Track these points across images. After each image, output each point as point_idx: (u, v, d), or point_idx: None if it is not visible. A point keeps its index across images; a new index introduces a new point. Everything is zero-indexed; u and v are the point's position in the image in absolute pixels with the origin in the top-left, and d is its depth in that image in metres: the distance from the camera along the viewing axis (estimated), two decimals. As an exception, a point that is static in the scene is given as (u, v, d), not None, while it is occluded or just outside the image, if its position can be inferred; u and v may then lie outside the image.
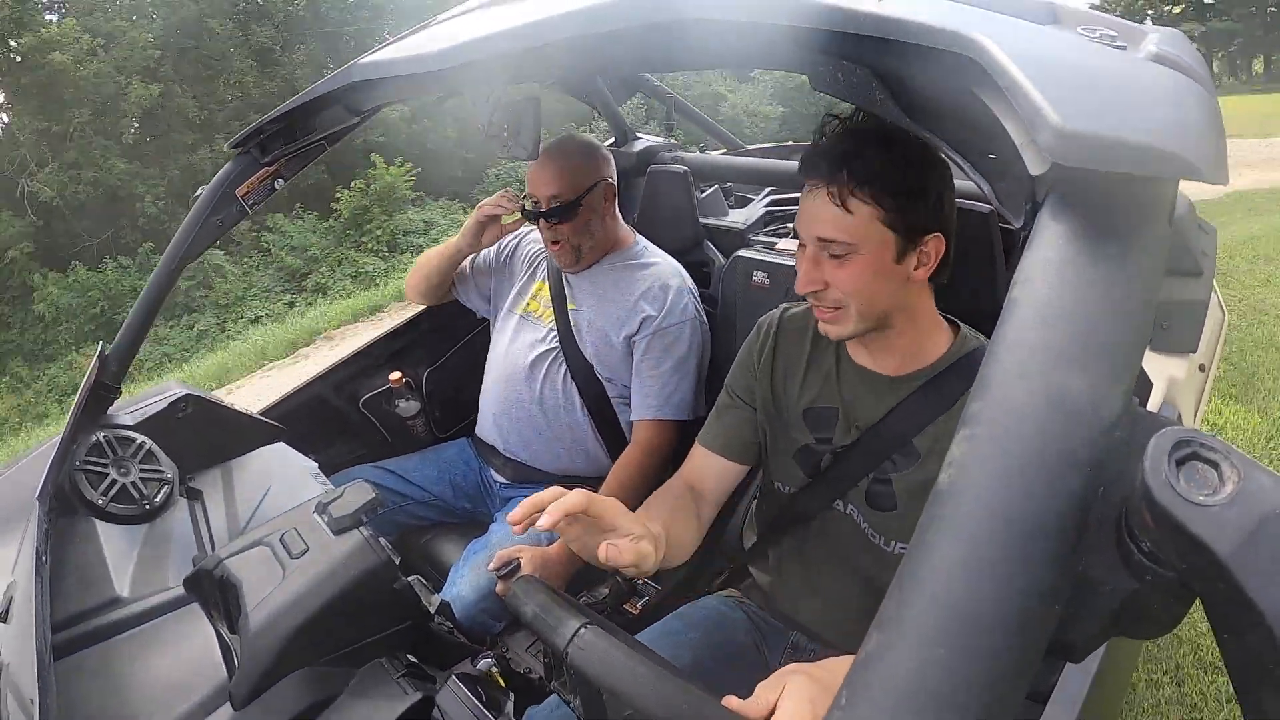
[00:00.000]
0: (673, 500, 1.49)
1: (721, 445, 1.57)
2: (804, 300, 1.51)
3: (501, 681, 1.36)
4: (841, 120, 1.31)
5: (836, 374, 1.49)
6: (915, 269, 1.31)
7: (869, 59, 0.78)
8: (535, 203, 2.14)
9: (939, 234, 1.30)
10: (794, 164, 3.03)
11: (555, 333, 2.22)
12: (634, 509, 1.47)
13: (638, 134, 3.20)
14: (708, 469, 1.58)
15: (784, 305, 1.62)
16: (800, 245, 1.35)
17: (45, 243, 19.78)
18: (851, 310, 1.32)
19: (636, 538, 1.18)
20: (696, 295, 2.23)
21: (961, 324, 1.46)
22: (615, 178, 2.24)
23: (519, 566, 1.79)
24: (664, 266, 2.22)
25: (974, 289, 1.61)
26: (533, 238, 2.44)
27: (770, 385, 1.55)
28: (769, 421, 1.56)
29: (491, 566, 1.86)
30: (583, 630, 1.06)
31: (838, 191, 1.26)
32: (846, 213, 1.26)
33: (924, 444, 1.39)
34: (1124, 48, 0.68)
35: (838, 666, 1.05)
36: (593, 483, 2.20)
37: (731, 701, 0.95)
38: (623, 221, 2.31)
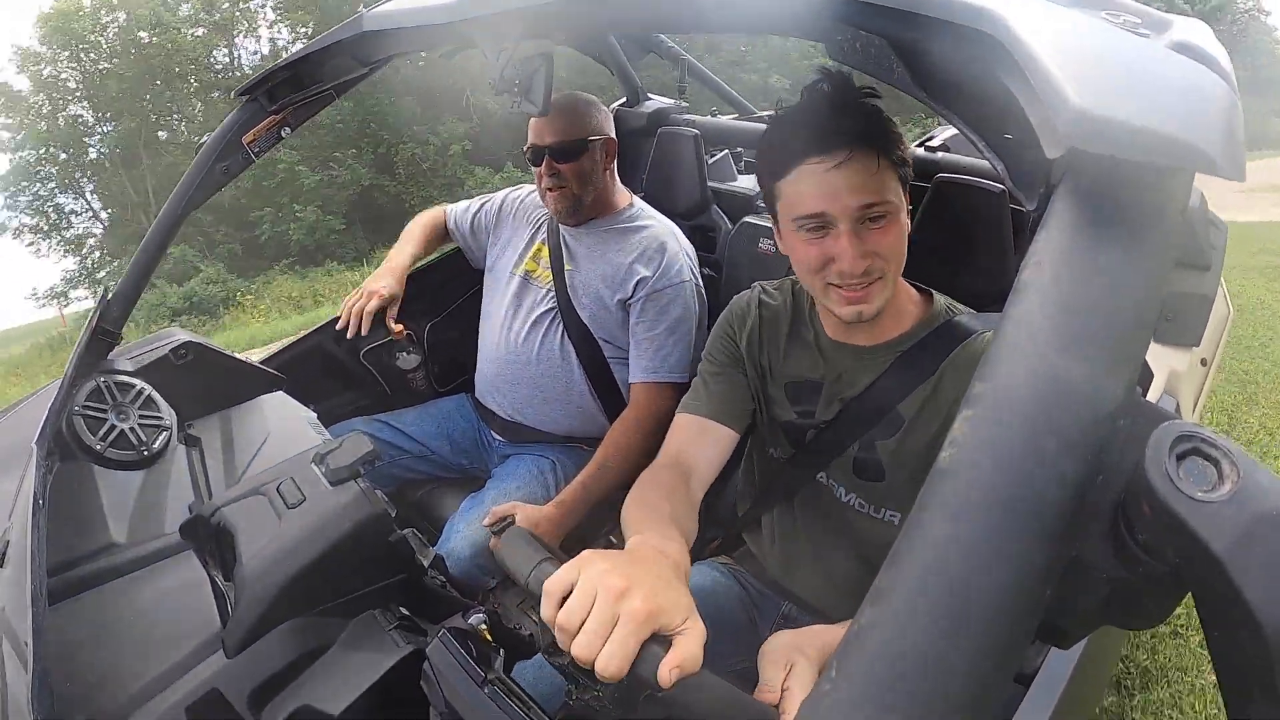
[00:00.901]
0: (668, 492, 1.35)
1: (712, 410, 1.51)
2: (771, 280, 1.56)
3: (489, 638, 1.36)
4: (826, 88, 1.27)
5: (817, 347, 1.49)
6: (906, 224, 1.31)
7: (888, 30, 0.77)
8: (537, 148, 2.15)
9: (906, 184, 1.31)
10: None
11: (554, 294, 2.22)
12: (632, 472, 1.48)
13: (649, 94, 3.17)
14: (700, 439, 1.49)
15: (758, 284, 1.62)
16: (821, 228, 1.27)
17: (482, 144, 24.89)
18: (889, 277, 1.30)
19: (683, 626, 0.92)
20: (693, 257, 2.22)
21: (935, 292, 1.46)
22: (615, 139, 2.24)
23: (513, 523, 1.80)
24: (659, 228, 2.21)
25: (984, 269, 1.61)
26: (534, 198, 2.43)
27: (757, 360, 1.54)
28: (758, 392, 1.56)
29: (486, 522, 1.87)
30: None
31: (875, 156, 1.22)
32: (882, 175, 1.23)
33: (908, 411, 1.39)
34: (1148, 35, 0.67)
35: (829, 637, 1.06)
36: (590, 442, 2.22)
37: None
38: (620, 185, 2.31)
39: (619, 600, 0.86)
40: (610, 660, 0.83)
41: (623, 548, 1.76)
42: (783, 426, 1.53)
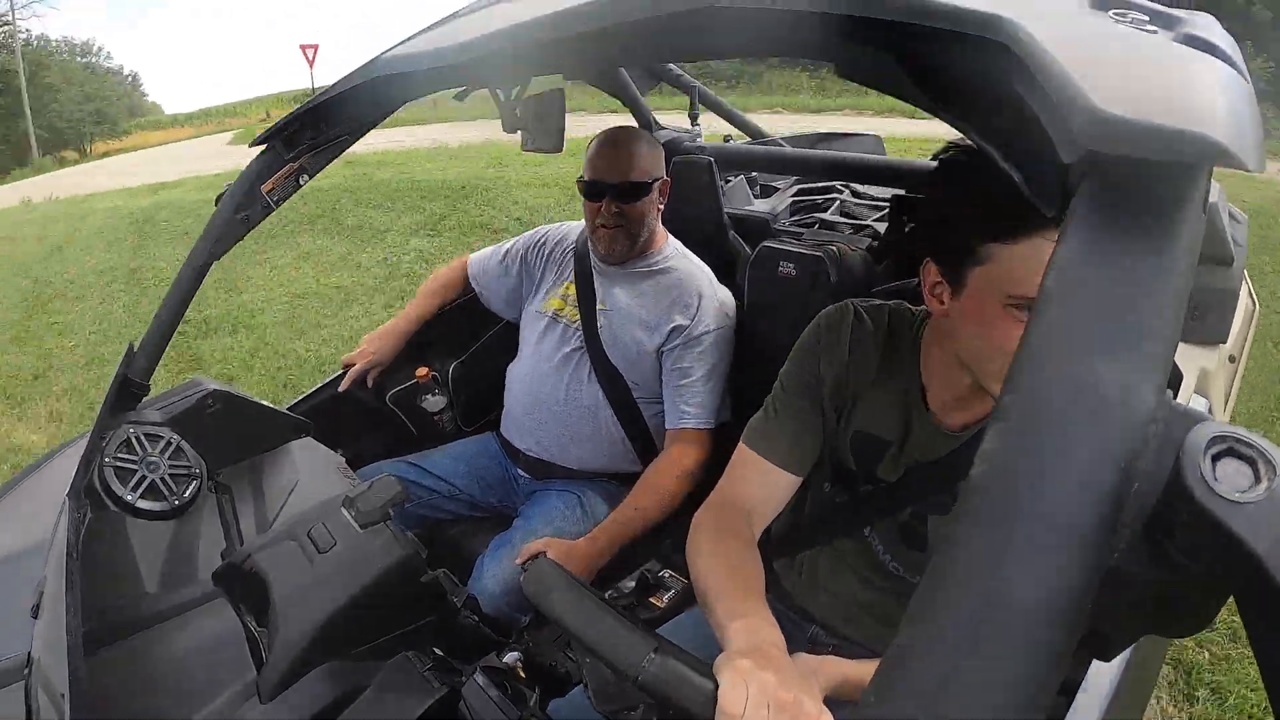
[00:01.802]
0: (745, 545, 1.31)
1: (783, 458, 1.41)
2: (864, 298, 1.46)
3: (523, 675, 1.36)
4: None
5: (902, 408, 1.39)
6: None
7: (897, 46, 0.77)
8: (600, 184, 2.14)
9: None
10: (819, 152, 3.01)
11: (581, 332, 2.22)
12: (663, 517, 1.47)
13: (661, 124, 3.19)
14: (765, 483, 1.41)
15: (851, 303, 1.46)
16: (1016, 306, 1.11)
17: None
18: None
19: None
20: (728, 300, 2.23)
21: None
22: (669, 180, 2.26)
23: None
24: (694, 273, 2.22)
25: None
26: (561, 235, 2.44)
27: (840, 394, 1.42)
28: (824, 425, 1.45)
29: (518, 560, 1.87)
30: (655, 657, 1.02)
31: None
32: None
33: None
34: (1155, 31, 0.66)
35: (847, 669, 1.12)
36: (618, 479, 2.22)
37: None
38: (661, 225, 2.31)
39: (796, 716, 0.92)
40: None
41: (654, 578, 1.76)
42: (836, 473, 1.49)
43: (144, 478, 1.60)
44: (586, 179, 2.16)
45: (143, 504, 1.58)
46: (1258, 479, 0.48)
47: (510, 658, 1.38)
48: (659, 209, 2.21)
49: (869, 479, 1.44)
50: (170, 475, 1.64)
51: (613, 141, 2.15)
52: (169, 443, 1.68)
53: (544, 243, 2.48)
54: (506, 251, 2.53)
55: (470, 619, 1.48)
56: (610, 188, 2.11)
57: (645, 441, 2.26)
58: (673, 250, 2.29)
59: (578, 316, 2.25)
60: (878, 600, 1.50)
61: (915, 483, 1.38)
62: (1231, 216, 1.98)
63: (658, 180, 2.16)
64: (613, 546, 1.95)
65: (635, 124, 3.10)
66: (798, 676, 0.98)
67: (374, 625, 1.33)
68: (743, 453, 1.44)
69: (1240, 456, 0.49)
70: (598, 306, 2.23)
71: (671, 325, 2.13)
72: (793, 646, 1.53)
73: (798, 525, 1.61)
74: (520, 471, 2.34)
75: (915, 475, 1.38)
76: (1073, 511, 0.50)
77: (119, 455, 1.60)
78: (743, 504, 1.38)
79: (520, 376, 2.34)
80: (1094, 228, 0.57)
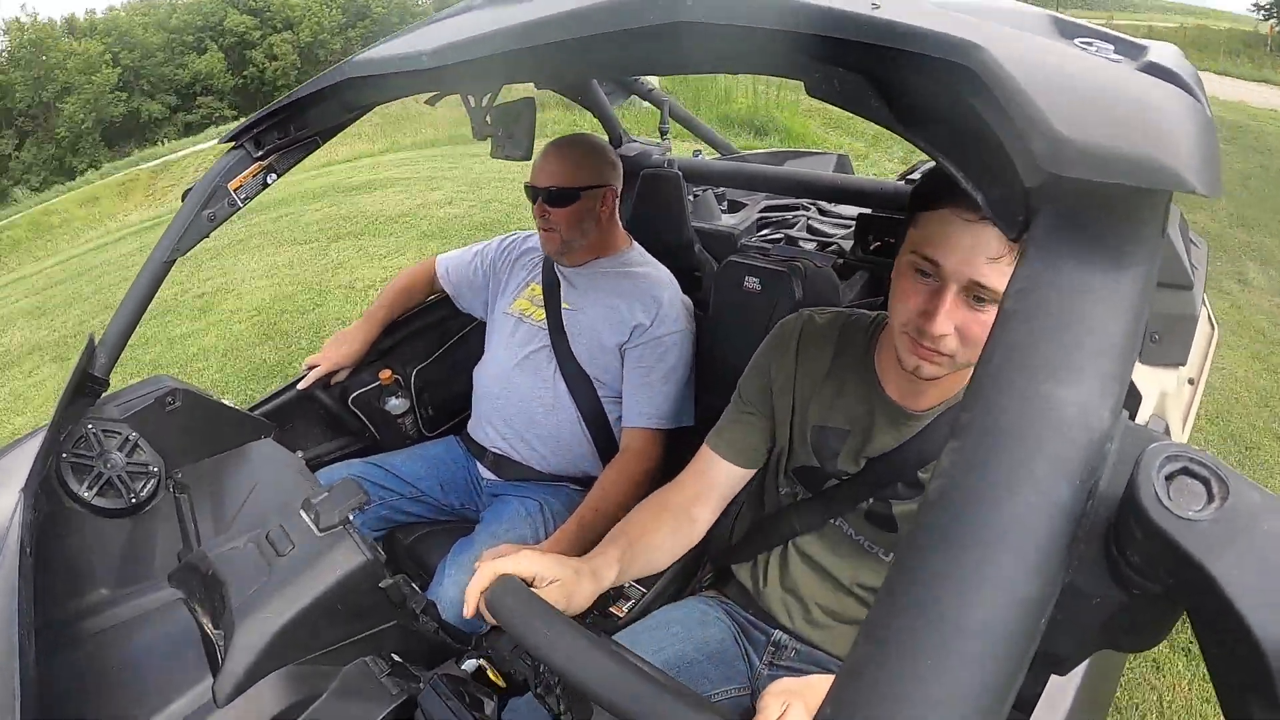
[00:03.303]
0: (657, 511, 1.51)
1: (731, 452, 1.54)
2: (821, 307, 1.53)
3: (495, 678, 1.36)
4: None
5: (858, 397, 1.44)
6: None
7: (865, 65, 0.77)
8: (532, 188, 2.19)
9: None
10: (786, 170, 3.04)
11: (546, 331, 2.23)
12: (619, 516, 1.51)
13: (631, 137, 3.20)
14: (715, 473, 1.55)
15: (805, 313, 1.56)
16: (921, 273, 1.20)
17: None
18: (958, 360, 1.23)
19: (552, 582, 1.28)
20: (689, 305, 2.24)
21: None
22: (619, 187, 2.27)
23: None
24: (656, 275, 2.24)
25: None
26: (530, 239, 2.46)
27: (791, 393, 1.51)
28: (779, 433, 1.54)
29: (479, 564, 1.87)
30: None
31: (1016, 252, 1.09)
32: (1009, 256, 1.11)
33: (928, 476, 1.36)
34: (1119, 60, 0.68)
35: (823, 686, 1.11)
36: (578, 482, 2.22)
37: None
38: (621, 228, 2.33)
39: None
40: None
41: (613, 589, 1.77)
42: (799, 471, 1.52)
43: (101, 474, 1.58)
44: (527, 182, 2.22)
45: (99, 501, 1.56)
46: (1211, 498, 0.49)
47: (469, 664, 1.38)
48: (601, 218, 2.23)
49: (831, 474, 1.48)
50: (128, 473, 1.62)
51: (554, 147, 2.20)
52: (127, 439, 1.67)
53: (513, 246, 2.50)
54: (477, 253, 2.56)
55: (429, 625, 1.47)
56: (540, 191, 2.17)
57: (609, 444, 2.26)
58: (637, 255, 2.32)
59: (543, 316, 2.26)
60: (838, 602, 1.52)
61: (876, 473, 1.42)
62: (1191, 241, 2.01)
63: (595, 188, 2.18)
64: (574, 552, 1.95)
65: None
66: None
67: (331, 630, 1.32)
68: (702, 449, 1.59)
69: (1194, 475, 0.50)
70: (562, 306, 2.24)
71: (634, 323, 2.15)
72: (756, 652, 1.56)
73: (760, 526, 1.63)
74: (484, 472, 2.34)
75: (875, 465, 1.42)
76: (1028, 528, 0.51)
77: (76, 451, 1.58)
78: (694, 485, 1.55)
79: (487, 376, 2.34)
80: (1054, 250, 0.58)
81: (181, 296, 6.92)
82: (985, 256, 1.12)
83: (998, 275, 1.12)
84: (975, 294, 1.16)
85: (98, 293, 8.37)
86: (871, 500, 1.44)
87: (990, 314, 1.16)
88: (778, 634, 1.59)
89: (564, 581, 1.28)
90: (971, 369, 1.34)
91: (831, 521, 1.50)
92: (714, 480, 1.55)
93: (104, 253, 11.36)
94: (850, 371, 1.46)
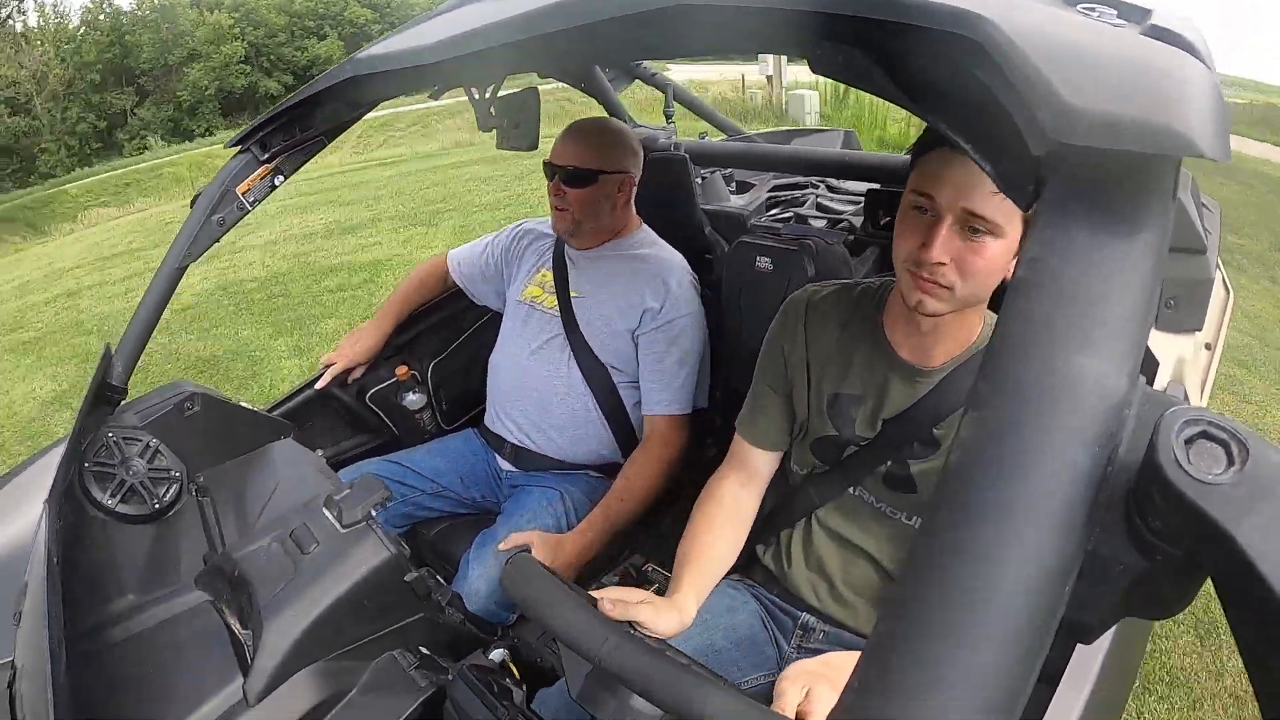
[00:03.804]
0: (712, 516, 1.56)
1: (763, 439, 1.61)
2: (826, 281, 1.56)
3: (516, 671, 1.36)
4: None
5: (870, 361, 1.47)
6: (1012, 269, 1.24)
7: (868, 40, 0.77)
8: (550, 165, 2.18)
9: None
10: (793, 148, 3.03)
11: (559, 319, 2.23)
12: (645, 504, 1.53)
13: (637, 122, 3.19)
14: (754, 462, 1.62)
15: (810, 287, 1.60)
16: (918, 209, 1.26)
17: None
18: (957, 293, 1.26)
19: (640, 602, 1.26)
20: (698, 287, 2.24)
21: (988, 313, 1.44)
22: (638, 175, 2.26)
23: (529, 551, 1.80)
24: (666, 258, 2.23)
25: None
26: (541, 226, 2.45)
27: (805, 366, 1.54)
28: (799, 409, 1.57)
29: (502, 546, 1.88)
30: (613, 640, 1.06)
31: None
32: (1002, 199, 1.12)
33: (943, 433, 1.40)
34: (1123, 25, 0.67)
35: (847, 664, 1.10)
36: (598, 469, 2.23)
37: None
38: (634, 213, 2.32)
39: None
40: None
41: (637, 573, 1.77)
42: (817, 443, 1.54)
43: (123, 481, 1.59)
44: (546, 159, 2.20)
45: (122, 508, 1.57)
46: (1231, 461, 0.49)
47: (496, 655, 1.39)
48: (617, 204, 2.22)
49: (849, 440, 1.50)
50: (150, 479, 1.63)
51: (575, 128, 2.18)
52: (148, 446, 1.68)
53: (523, 234, 2.50)
54: (487, 244, 2.55)
55: (455, 617, 1.48)
56: (558, 169, 2.15)
57: (628, 431, 2.27)
58: (645, 237, 2.31)
59: (555, 303, 2.26)
60: (863, 576, 1.53)
61: (892, 434, 1.44)
62: (1203, 205, 1.99)
63: (613, 174, 2.16)
64: (601, 539, 1.96)
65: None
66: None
67: (359, 626, 1.33)
68: (735, 439, 1.64)
69: (1213, 439, 0.50)
70: (572, 294, 2.24)
71: (644, 308, 2.14)
72: (784, 636, 1.56)
73: (781, 504, 1.65)
74: (504, 464, 2.34)
75: (891, 427, 1.44)
76: (1049, 497, 0.51)
77: (98, 460, 1.59)
78: (734, 479, 1.61)
79: (502, 365, 2.34)
80: (1064, 218, 0.57)
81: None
82: (978, 188, 1.17)
83: (991, 206, 1.17)
84: (970, 224, 1.21)
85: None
86: (890, 463, 1.45)
87: (987, 246, 1.21)
88: (805, 616, 1.59)
89: (653, 602, 1.28)
90: (977, 312, 1.36)
91: (851, 491, 1.51)
92: (754, 469, 1.62)
93: (358, 175, 13.51)
94: (860, 338, 1.49)
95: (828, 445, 1.52)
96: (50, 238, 16.17)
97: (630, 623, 1.21)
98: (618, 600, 1.21)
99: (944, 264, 1.22)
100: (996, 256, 1.22)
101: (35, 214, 20.13)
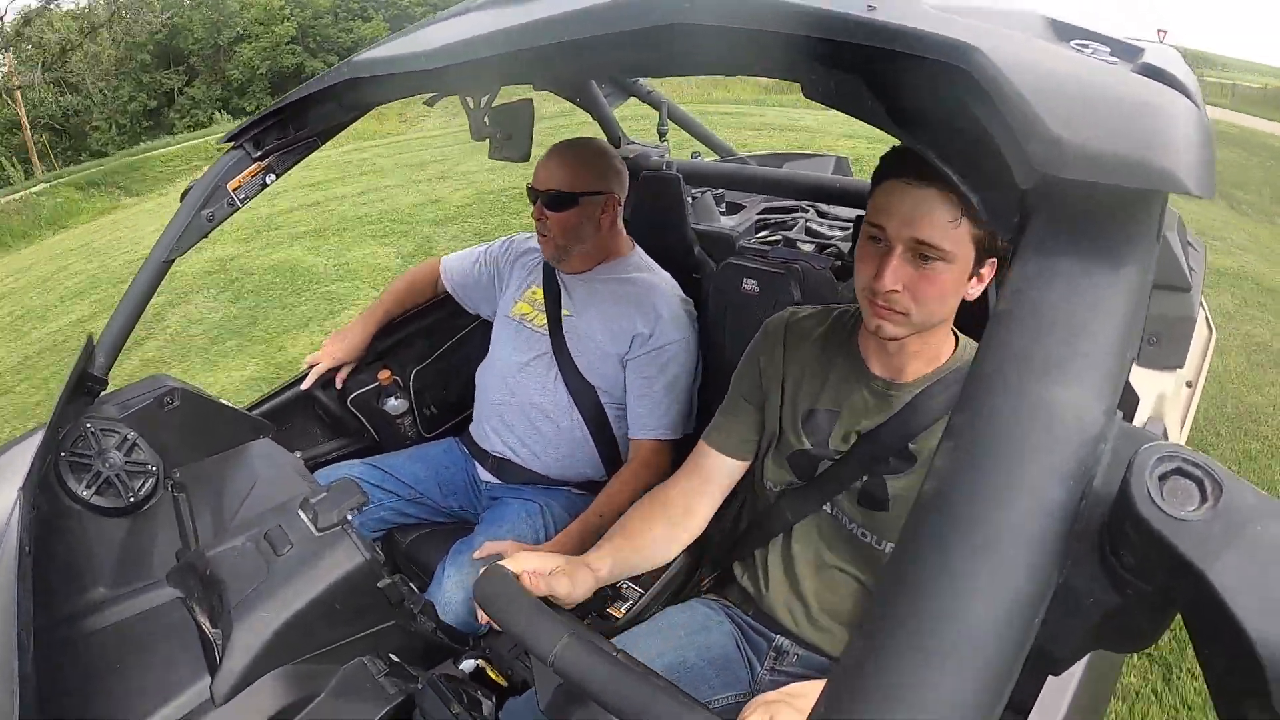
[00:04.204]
0: (653, 507, 1.59)
1: (724, 443, 1.61)
2: (807, 305, 1.58)
3: (495, 678, 1.36)
4: None
5: (845, 377, 1.49)
6: (971, 288, 1.31)
7: (861, 67, 0.78)
8: (532, 190, 2.16)
9: (995, 259, 1.30)
10: (785, 172, 3.04)
11: (548, 337, 2.22)
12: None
13: (630, 139, 3.20)
14: (710, 467, 1.61)
15: (790, 309, 1.63)
16: (873, 239, 1.30)
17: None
18: (913, 318, 1.30)
19: (552, 571, 1.39)
20: (690, 312, 2.23)
21: (960, 335, 1.47)
22: (623, 195, 2.24)
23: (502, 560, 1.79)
24: (655, 282, 2.22)
25: (964, 302, 1.62)
26: (532, 241, 2.44)
27: (781, 383, 1.56)
28: (769, 422, 1.58)
29: (477, 555, 1.87)
30: (569, 639, 1.07)
31: (957, 208, 1.21)
32: (955, 227, 1.22)
33: (919, 449, 1.41)
34: (1115, 63, 0.68)
35: (812, 692, 1.12)
36: (580, 486, 2.22)
37: None
38: (624, 234, 2.30)
39: None
40: None
41: (612, 589, 1.78)
42: (792, 457, 1.54)
43: (99, 473, 1.58)
44: (529, 184, 2.19)
45: (98, 500, 1.56)
46: (1204, 498, 0.49)
47: (467, 665, 1.38)
48: (602, 226, 2.19)
49: (824, 455, 1.51)
50: (126, 472, 1.62)
51: (555, 151, 2.15)
52: (126, 439, 1.66)
53: (514, 248, 2.48)
54: (480, 254, 2.53)
55: (427, 626, 1.47)
56: (539, 194, 2.13)
57: (613, 450, 2.26)
58: (638, 261, 2.29)
59: (544, 321, 2.24)
60: (837, 599, 1.53)
61: (866, 449, 1.46)
62: (1189, 244, 2.01)
63: (593, 195, 2.14)
64: (577, 552, 1.95)
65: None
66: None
67: (329, 630, 1.32)
68: (700, 444, 1.65)
69: (1187, 475, 0.50)
70: (563, 313, 2.23)
71: (634, 333, 2.13)
72: (758, 658, 1.56)
73: (755, 522, 1.65)
74: (485, 475, 2.33)
75: (864, 442, 1.46)
76: (1022, 528, 0.51)
77: (75, 450, 1.58)
78: (693, 479, 1.62)
79: (490, 380, 2.33)
80: (1048, 251, 0.58)
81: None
82: (925, 217, 1.22)
83: (939, 234, 1.22)
84: (919, 252, 1.25)
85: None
86: (865, 478, 1.46)
87: (938, 272, 1.26)
88: (779, 639, 1.59)
89: (563, 569, 1.37)
90: (944, 332, 1.40)
91: (825, 509, 1.52)
92: (709, 473, 1.61)
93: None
94: (836, 357, 1.52)
95: (802, 460, 1.53)
96: (146, 198, 17.78)
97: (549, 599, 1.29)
98: (535, 573, 1.35)
99: (897, 291, 1.27)
100: (948, 282, 1.27)
101: (125, 178, 20.75)
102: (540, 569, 1.36)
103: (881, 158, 1.31)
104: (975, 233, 1.23)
